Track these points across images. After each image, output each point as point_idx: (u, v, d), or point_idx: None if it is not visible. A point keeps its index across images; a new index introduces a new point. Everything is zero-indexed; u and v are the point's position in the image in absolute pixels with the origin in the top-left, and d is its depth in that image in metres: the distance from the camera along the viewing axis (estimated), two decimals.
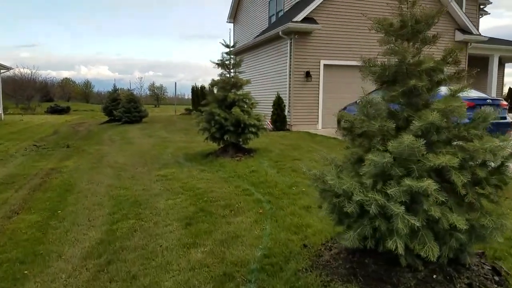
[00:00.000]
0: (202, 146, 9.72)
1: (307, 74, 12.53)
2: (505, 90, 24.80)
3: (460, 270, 2.52)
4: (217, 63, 7.95)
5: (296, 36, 12.35)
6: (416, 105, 2.63)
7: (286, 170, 6.21)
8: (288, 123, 12.74)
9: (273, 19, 17.34)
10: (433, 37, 2.73)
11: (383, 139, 2.54)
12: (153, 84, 65.98)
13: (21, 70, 51.13)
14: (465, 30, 14.09)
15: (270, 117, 13.12)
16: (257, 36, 15.69)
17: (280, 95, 12.69)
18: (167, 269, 3.03)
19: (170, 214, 4.38)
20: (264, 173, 5.99)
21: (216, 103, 7.73)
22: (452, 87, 2.60)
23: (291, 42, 12.52)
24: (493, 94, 15.58)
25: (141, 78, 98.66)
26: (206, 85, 32.01)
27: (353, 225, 2.46)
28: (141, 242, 3.64)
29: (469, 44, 14.43)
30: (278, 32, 12.45)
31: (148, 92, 64.88)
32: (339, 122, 11.83)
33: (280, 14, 16.47)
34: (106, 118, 22.51)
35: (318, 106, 12.91)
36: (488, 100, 7.55)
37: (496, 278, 2.55)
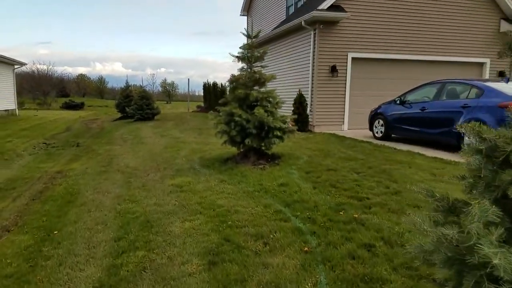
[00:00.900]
0: (218, 149, 8.82)
1: (333, 69, 11.48)
2: None
3: None
4: (237, 56, 7.01)
5: (321, 26, 11.29)
6: None
7: (323, 185, 5.24)
8: (311, 123, 11.74)
9: (291, 10, 16.28)
10: None
11: None
12: (165, 80, 65.47)
13: (38, 66, 51.16)
14: None
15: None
16: (276, 27, 14.67)
17: (302, 93, 11.69)
18: None
19: (187, 244, 3.48)
20: (297, 188, 5.04)
21: (236, 102, 6.80)
22: None
23: (315, 33, 11.48)
24: None
25: (153, 74, 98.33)
26: (218, 82, 30.89)
27: None
28: None
29: None
30: (301, 22, 11.42)
31: (160, 89, 64.48)
32: (371, 123, 10.83)
33: (300, 4, 15.40)
34: (119, 115, 21.87)
35: (344, 105, 11.86)
36: None
37: None
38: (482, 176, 1.67)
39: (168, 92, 62.89)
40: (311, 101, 11.76)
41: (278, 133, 6.55)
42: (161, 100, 53.96)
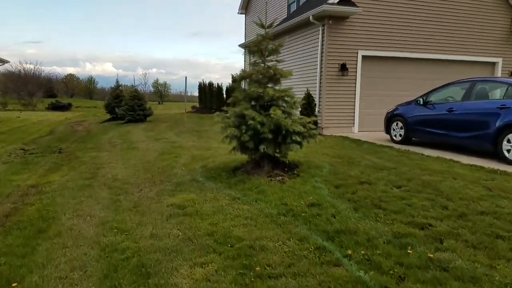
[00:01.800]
0: (222, 155, 7.68)
1: (343, 67, 10.44)
2: None
3: None
4: (249, 49, 5.88)
5: (330, 21, 10.24)
6: None
7: (363, 204, 4.14)
8: (319, 125, 10.67)
9: (293, 7, 15.22)
10: None
11: None
12: (157, 80, 63.87)
13: (24, 65, 49.23)
14: None
15: None
16: (279, 24, 13.57)
17: (310, 92, 10.62)
18: None
19: None
20: (333, 210, 3.93)
21: (248, 102, 5.67)
22: None
23: (323, 29, 10.42)
24: None
25: (146, 73, 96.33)
26: (213, 82, 29.74)
27: None
28: None
29: None
30: (309, 16, 10.35)
31: (151, 89, 62.89)
32: (388, 125, 9.81)
33: (302, 1, 14.34)
34: (108, 116, 20.51)
35: (354, 106, 10.82)
36: None
37: None
38: None
39: (160, 92, 61.40)
40: (319, 101, 10.69)
41: (297, 138, 5.43)
42: (153, 101, 52.48)
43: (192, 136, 11.33)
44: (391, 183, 5.06)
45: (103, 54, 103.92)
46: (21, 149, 10.62)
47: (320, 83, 10.64)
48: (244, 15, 21.54)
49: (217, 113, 5.99)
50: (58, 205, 4.96)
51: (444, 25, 11.44)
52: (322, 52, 10.55)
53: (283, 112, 5.50)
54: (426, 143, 8.69)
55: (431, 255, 2.89)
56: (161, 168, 6.85)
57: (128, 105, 17.19)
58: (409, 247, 3.04)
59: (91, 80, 61.99)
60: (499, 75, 12.48)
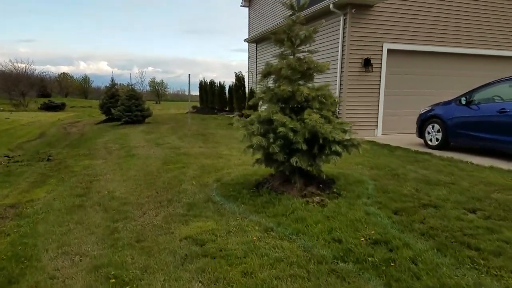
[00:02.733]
0: (237, 166, 6.69)
1: (367, 63, 9.45)
2: None
3: None
4: (275, 37, 4.87)
5: (353, 10, 9.24)
6: None
7: (444, 240, 3.15)
8: None
9: None
10: None
11: None
12: (154, 79, 62.74)
13: (16, 64, 48.10)
14: None
15: None
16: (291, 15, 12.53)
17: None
18: None
19: None
20: (410, 252, 2.93)
21: (275, 104, 4.67)
22: None
23: (345, 19, 9.42)
24: None
25: (142, 71, 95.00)
26: (210, 80, 28.76)
27: None
28: None
29: None
30: (329, 4, 9.35)
31: (148, 88, 61.78)
32: (421, 128, 8.82)
33: None
34: (104, 117, 19.49)
35: (378, 105, 9.83)
36: None
37: None
38: None
39: (158, 91, 60.31)
40: (339, 100, 9.69)
41: (338, 148, 4.43)
42: (150, 100, 51.44)
43: (197, 140, 10.32)
44: (460, 205, 4.07)
45: (98, 52, 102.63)
46: (5, 156, 9.59)
47: (341, 80, 9.65)
48: (247, 8, 20.51)
49: (236, 117, 4.98)
50: (39, 235, 3.96)
51: (482, 16, 10.42)
52: (343, 46, 9.55)
53: (321, 116, 4.51)
54: (466, 149, 7.72)
55: None
56: (167, 182, 5.85)
57: (124, 105, 16.17)
58: None
59: (86, 79, 60.86)
60: None
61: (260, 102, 5.04)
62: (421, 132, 8.25)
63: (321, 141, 4.39)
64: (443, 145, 7.69)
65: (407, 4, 9.76)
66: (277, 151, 4.38)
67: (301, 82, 4.79)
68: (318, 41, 10.74)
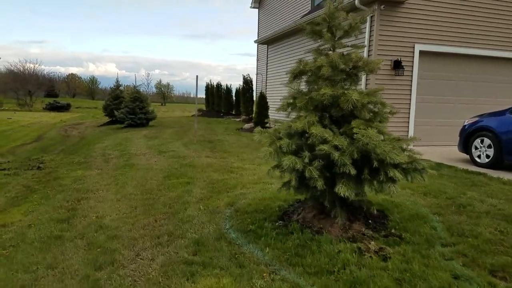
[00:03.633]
0: (253, 185, 5.50)
1: (397, 65, 8.24)
2: None
3: None
4: (311, 28, 3.69)
5: (382, 6, 8.05)
6: None
7: None
8: None
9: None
10: None
11: None
12: (160, 81, 61.87)
13: (25, 64, 47.41)
14: None
15: None
16: (308, 13, 11.39)
17: None
18: None
19: None
20: None
21: (312, 112, 3.48)
22: None
23: (372, 17, 8.23)
24: None
25: (149, 73, 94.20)
26: (223, 83, 27.73)
27: None
28: None
29: None
30: (354, 0, 8.16)
31: (154, 90, 60.94)
32: (466, 141, 7.55)
33: None
34: (107, 119, 18.42)
35: (409, 114, 8.59)
36: None
37: None
38: None
39: (164, 93, 59.42)
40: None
41: (397, 174, 3.22)
42: (156, 102, 50.56)
43: (204, 148, 9.13)
44: None
45: (107, 54, 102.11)
46: None
47: (366, 84, 8.45)
48: (257, 9, 19.37)
49: (258, 128, 3.78)
50: None
51: None
52: (370, 46, 8.36)
53: (370, 128, 3.31)
54: None
55: None
56: (168, 205, 4.66)
57: (128, 107, 15.06)
58: None
59: (93, 80, 60.11)
60: None
61: (289, 109, 3.85)
62: (465, 147, 6.99)
63: (375, 163, 3.19)
64: (494, 163, 6.40)
65: (443, 2, 8.55)
66: (315, 175, 3.18)
67: (345, 85, 3.60)
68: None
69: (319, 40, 3.73)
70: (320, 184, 3.21)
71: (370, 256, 2.89)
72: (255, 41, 16.09)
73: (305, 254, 3.01)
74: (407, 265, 2.72)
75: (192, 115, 23.75)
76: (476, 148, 6.73)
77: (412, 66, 8.46)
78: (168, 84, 62.73)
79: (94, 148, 10.07)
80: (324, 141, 3.20)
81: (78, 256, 3.34)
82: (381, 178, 3.23)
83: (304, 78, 3.79)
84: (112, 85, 18.92)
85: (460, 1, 8.69)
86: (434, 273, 2.58)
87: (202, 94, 28.31)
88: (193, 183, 5.70)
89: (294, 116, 3.87)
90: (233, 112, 21.37)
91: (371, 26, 8.29)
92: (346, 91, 3.33)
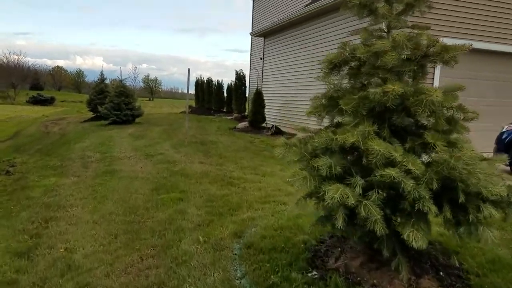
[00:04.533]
0: (261, 201, 4.40)
1: None
2: None
3: None
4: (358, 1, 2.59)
5: None
6: None
7: None
8: None
9: None
10: None
11: None
12: (148, 76, 59.86)
13: (8, 56, 44.91)
14: None
15: None
16: (310, 3, 10.25)
17: None
18: None
19: None
20: None
21: (367, 118, 2.38)
22: None
23: None
24: None
25: (136, 67, 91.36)
26: (213, 79, 26.39)
27: None
28: None
29: None
30: None
31: (142, 85, 58.94)
32: (507, 150, 6.55)
33: None
34: (91, 115, 16.96)
35: None
36: None
37: None
38: None
39: (151, 88, 57.53)
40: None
41: (493, 212, 2.18)
42: (143, 97, 48.75)
43: (197, 151, 7.96)
44: None
45: (94, 48, 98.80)
46: None
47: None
48: (251, 1, 18.14)
49: (282, 139, 2.68)
50: None
51: None
52: None
53: (449, 144, 2.26)
54: None
55: None
56: (158, 233, 3.52)
57: (113, 102, 13.67)
58: None
59: (79, 73, 57.70)
60: None
61: (323, 113, 2.75)
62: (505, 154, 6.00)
63: (461, 198, 2.13)
64: None
65: None
66: (376, 216, 2.10)
67: (406, 77, 2.53)
68: (341, 32, 8.45)
69: (371, 16, 2.63)
70: (380, 227, 2.13)
71: None
72: (251, 33, 14.90)
73: None
74: None
75: (181, 112, 22.42)
76: None
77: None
78: (156, 79, 60.77)
79: (74, 149, 8.77)
80: (390, 163, 2.12)
81: None
82: (471, 219, 2.17)
83: (345, 70, 2.70)
84: (97, 79, 17.43)
85: None
86: None
87: (191, 90, 26.92)
88: (187, 199, 4.56)
89: (327, 123, 2.80)
90: (225, 110, 20.16)
91: None
92: (421, 89, 2.25)
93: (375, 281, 2.41)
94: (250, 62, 18.29)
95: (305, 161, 2.39)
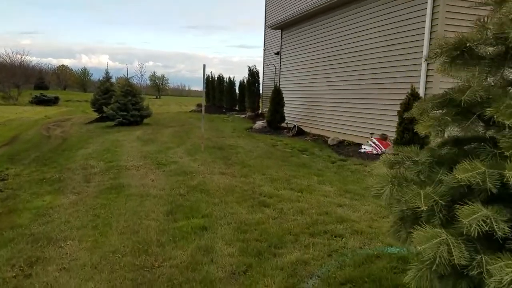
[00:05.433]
0: (309, 232, 3.46)
1: None
2: None
3: None
4: None
5: None
6: None
7: None
8: None
9: None
10: None
11: None
12: (154, 73, 59.19)
13: (11, 55, 44.55)
14: None
15: (378, 137, 6.90)
16: None
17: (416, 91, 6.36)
18: None
19: None
20: None
21: None
22: None
23: None
24: None
25: (142, 65, 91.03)
26: (216, 76, 25.53)
27: None
28: None
29: None
30: None
31: (149, 82, 58.36)
32: None
33: None
34: (96, 115, 16.21)
35: None
36: None
37: None
38: None
39: (158, 86, 56.93)
40: None
41: None
42: (150, 95, 48.14)
43: (215, 158, 7.04)
44: None
45: (100, 46, 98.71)
46: None
47: (426, 76, 6.42)
48: None
49: (387, 156, 1.74)
50: None
51: None
52: (431, 27, 6.31)
53: None
54: None
55: None
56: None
57: (119, 102, 12.88)
58: None
59: (85, 72, 57.32)
60: None
61: (432, 123, 1.80)
62: None
63: None
64: None
65: None
66: None
67: None
68: (388, 18, 7.45)
69: None
70: None
71: None
72: (268, 26, 13.88)
73: None
74: None
75: (191, 111, 21.56)
76: None
77: None
78: (163, 76, 60.17)
79: (75, 156, 7.93)
80: None
81: None
82: None
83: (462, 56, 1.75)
84: (102, 77, 16.64)
85: None
86: None
87: (197, 87, 26.10)
88: (212, 228, 3.64)
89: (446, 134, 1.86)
90: (237, 108, 19.26)
91: (433, 3, 6.22)
92: None
93: None
94: (264, 57, 17.31)
95: (439, 214, 1.44)
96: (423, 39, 6.40)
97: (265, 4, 17.06)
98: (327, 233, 3.41)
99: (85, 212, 4.37)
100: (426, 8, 6.35)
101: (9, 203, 5.03)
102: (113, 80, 17.08)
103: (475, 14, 2.02)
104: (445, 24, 6.18)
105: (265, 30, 16.99)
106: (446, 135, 1.93)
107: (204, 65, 7.81)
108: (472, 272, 1.33)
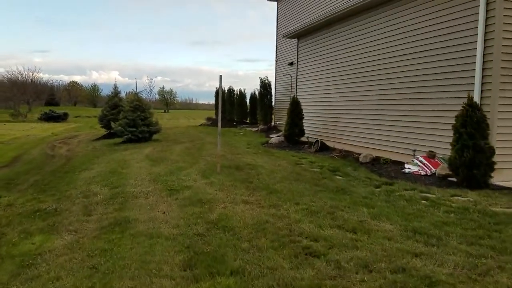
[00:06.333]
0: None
1: None
2: None
3: None
4: None
5: None
6: None
7: None
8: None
9: None
10: None
11: None
12: (163, 88, 58.90)
13: (23, 72, 44.51)
14: None
15: (425, 154, 5.86)
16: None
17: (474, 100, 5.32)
18: None
19: None
20: None
21: None
22: None
23: None
24: None
25: (151, 79, 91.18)
26: (228, 89, 25.03)
27: None
28: None
29: None
30: None
31: (157, 97, 58.03)
32: None
33: None
34: (104, 132, 15.39)
35: None
36: None
37: None
38: None
39: (166, 100, 56.62)
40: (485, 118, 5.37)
41: None
42: (159, 109, 47.66)
43: (234, 181, 6.02)
44: None
45: (109, 62, 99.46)
46: None
47: (482, 80, 5.39)
48: (275, 2, 16.35)
49: None
50: None
51: None
52: (484, 29, 5.31)
53: None
54: None
55: None
56: None
57: (127, 118, 12.01)
58: None
59: (94, 88, 57.18)
60: None
61: None
62: None
63: None
64: None
65: None
66: None
67: None
68: (433, 20, 6.45)
69: None
70: None
71: None
72: (283, 35, 12.99)
73: None
74: None
75: (200, 124, 20.70)
76: None
77: None
78: (171, 91, 59.87)
79: (77, 180, 7.00)
80: None
81: None
82: None
83: None
84: (110, 92, 15.86)
85: None
86: None
87: (204, 100, 25.29)
88: None
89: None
90: (248, 121, 18.34)
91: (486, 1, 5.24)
92: None
93: None
94: (276, 68, 16.44)
95: None
96: (478, 44, 5.38)
97: (277, 14, 16.27)
98: None
99: (80, 262, 3.37)
100: (478, 19, 5.36)
101: None
102: (123, 95, 16.32)
103: None
104: (503, 36, 5.19)
105: (277, 41, 16.18)
106: None
107: (221, 76, 6.94)
108: None
